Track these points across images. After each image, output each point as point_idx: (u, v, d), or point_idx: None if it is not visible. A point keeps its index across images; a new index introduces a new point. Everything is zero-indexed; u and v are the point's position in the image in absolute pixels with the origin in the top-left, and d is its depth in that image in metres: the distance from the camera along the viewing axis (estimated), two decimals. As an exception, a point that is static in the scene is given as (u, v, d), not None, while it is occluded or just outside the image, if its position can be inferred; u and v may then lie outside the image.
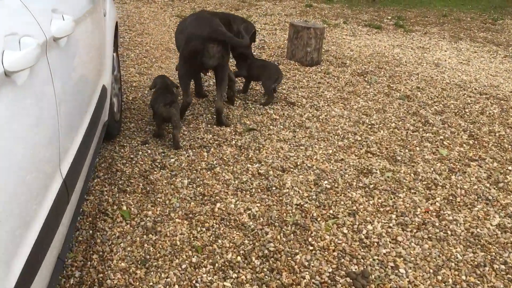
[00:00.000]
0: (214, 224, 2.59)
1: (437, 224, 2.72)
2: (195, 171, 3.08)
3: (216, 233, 2.52)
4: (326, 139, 3.70)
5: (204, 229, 2.55)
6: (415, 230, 2.66)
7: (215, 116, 3.82)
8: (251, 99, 4.37)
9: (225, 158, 3.26)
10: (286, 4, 8.94)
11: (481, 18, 8.71)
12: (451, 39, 7.06)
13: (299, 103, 4.36)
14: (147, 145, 3.38)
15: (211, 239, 2.47)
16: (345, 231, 2.60)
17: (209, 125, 3.77)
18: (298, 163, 3.28)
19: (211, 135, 3.59)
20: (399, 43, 6.62)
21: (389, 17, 8.24)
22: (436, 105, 4.53)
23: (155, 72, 4.92)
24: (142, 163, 3.14)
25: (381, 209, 2.83)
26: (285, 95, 4.54)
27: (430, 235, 2.62)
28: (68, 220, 1.77)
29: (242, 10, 8.10)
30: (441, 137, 3.87)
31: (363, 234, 2.59)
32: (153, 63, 5.25)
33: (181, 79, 3.65)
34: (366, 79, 5.14)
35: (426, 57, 6.04)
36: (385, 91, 4.81)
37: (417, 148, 3.65)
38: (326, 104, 4.39)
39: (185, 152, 3.32)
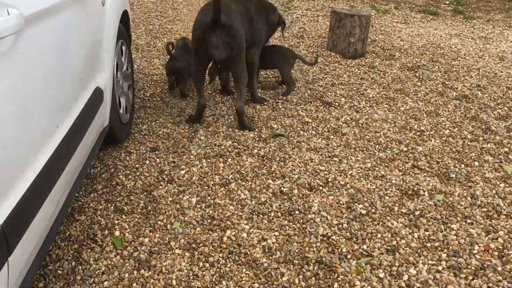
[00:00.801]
0: (220, 258, 2.15)
1: (499, 269, 2.16)
2: (206, 187, 2.64)
3: (221, 271, 2.08)
4: (365, 148, 3.16)
5: (207, 264, 2.11)
6: (470, 277, 2.11)
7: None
8: (281, 98, 3.86)
9: (243, 172, 2.80)
10: (332, -13, 8.28)
11: (554, 2, 7.72)
12: (518, 27, 6.22)
13: (337, 103, 3.81)
14: (156, 152, 2.97)
15: (214, 279, 2.03)
16: (381, 275, 2.09)
17: (230, 129, 3.31)
18: (329, 179, 2.78)
19: (230, 142, 3.13)
20: (457, 32, 5.87)
21: (447, 2, 7.43)
22: (500, 108, 3.85)
23: (180, 64, 4.50)
24: (148, 174, 2.73)
25: (428, 245, 2.29)
26: (321, 93, 4.00)
27: (491, 285, 2.06)
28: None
29: (284, -5, 7.52)
30: (506, 149, 3.23)
31: (404, 281, 2.06)
32: (180, 53, 4.84)
33: (193, 76, 3.23)
34: (417, 74, 4.50)
35: (488, 49, 5.29)
36: (439, 90, 4.16)
37: (476, 163, 3.05)
38: (368, 105, 3.82)
39: (198, 162, 2.89)
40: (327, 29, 5.61)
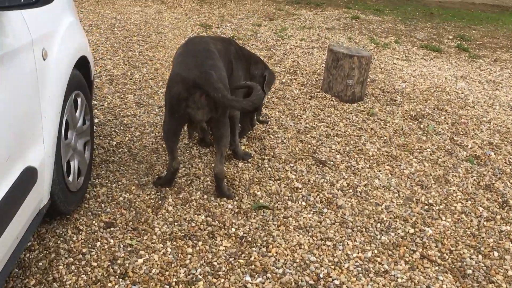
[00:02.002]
0: None
1: None
2: (167, 287, 2.11)
3: None
4: (364, 229, 2.65)
5: None
6: None
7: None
8: (268, 153, 3.35)
9: (216, 263, 2.27)
10: (329, 14, 7.84)
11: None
12: (527, 70, 5.80)
13: (331, 162, 3.31)
14: (111, 229, 2.43)
15: None
16: None
17: (205, 196, 2.79)
18: (321, 276, 2.26)
19: (203, 216, 2.60)
20: (463, 74, 5.43)
21: (450, 37, 7.01)
22: (517, 175, 3.38)
23: (157, 103, 3.98)
24: (96, 264, 2.19)
25: None
26: (315, 147, 3.50)
27: None
28: None
29: (277, 21, 7.07)
30: (529, 234, 2.75)
31: None
32: (159, 87, 4.32)
33: (164, 135, 2.72)
34: (421, 126, 4.02)
35: (498, 96, 4.84)
36: (447, 148, 3.68)
37: (495, 253, 2.55)
38: (368, 166, 3.32)
39: (161, 245, 2.36)
40: (323, 64, 5.15)
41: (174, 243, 2.38)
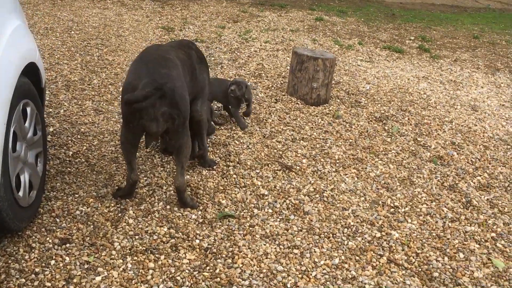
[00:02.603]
0: None
1: None
2: (127, 306, 2.00)
3: None
4: (331, 235, 2.61)
5: None
6: None
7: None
8: (233, 159, 3.27)
9: (179, 278, 2.18)
10: (293, 16, 7.82)
11: (515, 40, 7.57)
12: (486, 69, 5.92)
13: (298, 167, 3.27)
14: (67, 245, 2.30)
15: None
16: None
17: (168, 206, 2.68)
18: (288, 286, 2.20)
19: (166, 228, 2.50)
20: (425, 74, 5.50)
21: (412, 38, 7.10)
22: (480, 175, 3.41)
23: (117, 109, 3.84)
24: (50, 285, 2.06)
25: None
26: (280, 152, 3.45)
27: None
28: None
29: (241, 23, 6.99)
30: (493, 234, 2.77)
31: None
32: (119, 93, 4.17)
33: (122, 146, 2.60)
34: (386, 127, 4.03)
35: (459, 96, 4.92)
36: (411, 148, 3.70)
37: (461, 255, 2.56)
38: (334, 169, 3.29)
39: (121, 260, 2.24)
40: (287, 67, 5.11)
41: (135, 258, 2.27)
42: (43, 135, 2.56)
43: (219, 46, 5.80)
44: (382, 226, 2.74)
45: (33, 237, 2.31)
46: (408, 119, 4.24)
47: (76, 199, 2.64)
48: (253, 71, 5.03)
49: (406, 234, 2.69)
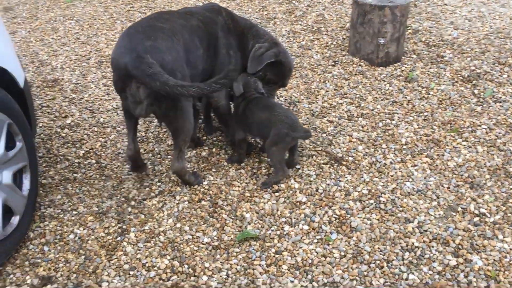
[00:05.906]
0: None
1: None
2: None
3: None
4: (385, 263, 1.94)
5: None
6: None
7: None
8: (263, 159, 2.65)
9: (170, 338, 1.70)
10: None
11: None
12: None
13: (351, 158, 2.57)
14: (47, 287, 1.91)
15: None
16: None
17: (178, 225, 2.18)
18: None
19: (169, 258, 2.00)
20: (535, 8, 4.28)
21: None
22: None
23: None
24: None
25: None
26: (330, 137, 2.75)
27: None
28: None
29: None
30: None
31: None
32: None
33: (123, 114, 2.38)
34: (476, 90, 3.11)
35: None
36: (511, 121, 2.79)
37: None
38: (399, 159, 2.54)
39: (107, 309, 1.80)
40: (353, 17, 4.22)
41: (123, 304, 1.82)
42: (27, 145, 2.15)
43: (275, -4, 5.00)
44: (460, 246, 2.00)
45: (11, 276, 1.95)
46: (508, 76, 3.25)
47: (73, 218, 2.24)
48: (310, 26, 4.23)
49: (494, 261, 1.93)
